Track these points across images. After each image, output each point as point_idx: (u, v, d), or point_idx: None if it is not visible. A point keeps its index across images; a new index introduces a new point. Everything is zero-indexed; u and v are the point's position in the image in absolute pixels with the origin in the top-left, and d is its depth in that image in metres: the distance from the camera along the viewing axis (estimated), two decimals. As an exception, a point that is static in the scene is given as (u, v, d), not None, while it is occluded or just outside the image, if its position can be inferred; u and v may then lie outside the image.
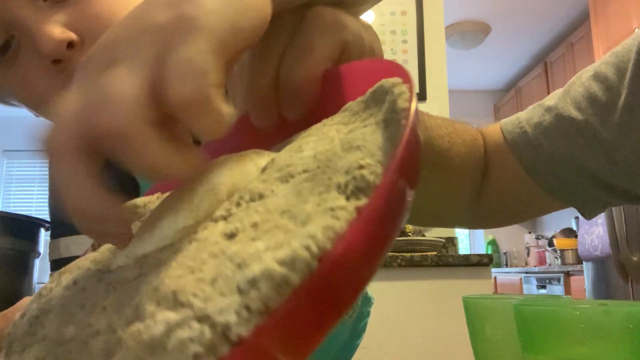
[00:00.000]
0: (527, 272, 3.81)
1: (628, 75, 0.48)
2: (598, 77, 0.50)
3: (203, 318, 0.15)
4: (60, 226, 0.62)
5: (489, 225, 0.61)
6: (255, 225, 0.18)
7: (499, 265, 4.40)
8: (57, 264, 0.60)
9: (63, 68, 0.48)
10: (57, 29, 0.46)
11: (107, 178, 0.20)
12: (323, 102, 0.27)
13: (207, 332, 0.15)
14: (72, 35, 0.46)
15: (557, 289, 3.30)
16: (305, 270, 0.15)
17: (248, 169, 0.22)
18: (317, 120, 0.26)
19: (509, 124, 0.55)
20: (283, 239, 0.16)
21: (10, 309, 0.32)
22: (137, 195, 0.57)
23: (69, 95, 0.20)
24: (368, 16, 2.25)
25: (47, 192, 0.65)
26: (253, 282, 0.15)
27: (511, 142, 0.53)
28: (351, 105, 0.24)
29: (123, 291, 0.18)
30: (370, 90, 0.23)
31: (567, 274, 3.24)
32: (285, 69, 0.26)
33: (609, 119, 0.49)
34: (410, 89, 0.20)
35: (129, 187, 0.58)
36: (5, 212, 0.79)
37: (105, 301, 0.19)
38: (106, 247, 0.26)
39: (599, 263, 2.51)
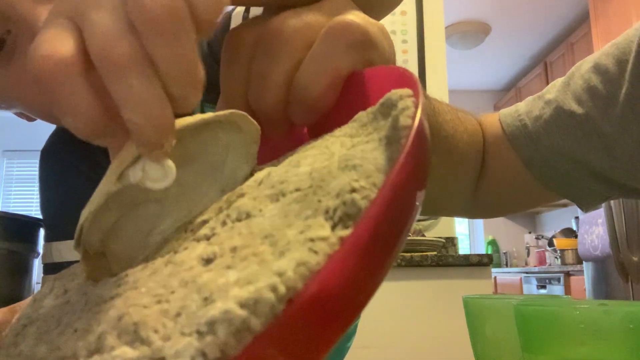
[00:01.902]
0: (527, 272, 3.81)
1: (629, 67, 0.48)
2: (598, 69, 0.50)
3: None
4: (54, 229, 0.62)
5: (486, 215, 0.61)
6: (234, 250, 0.16)
7: (499, 265, 4.40)
8: (50, 268, 0.60)
9: None
10: None
11: None
12: (335, 109, 0.26)
13: None
14: None
15: (557, 289, 3.30)
16: (268, 315, 0.14)
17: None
18: (326, 127, 0.25)
19: (508, 116, 0.54)
20: (255, 272, 0.15)
21: (19, 302, 0.31)
22: None
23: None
24: (368, 16, 2.24)
25: (40, 194, 0.65)
26: (211, 325, 0.14)
27: (510, 134, 0.53)
28: (361, 115, 0.23)
29: (95, 313, 0.17)
30: (380, 101, 0.22)
31: (567, 274, 3.24)
32: (305, 76, 0.25)
33: (609, 112, 0.48)
34: (417, 104, 0.19)
35: None
36: (4, 212, 0.79)
37: (77, 322, 0.18)
38: None
39: (599, 263, 2.51)
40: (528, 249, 4.31)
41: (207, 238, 0.19)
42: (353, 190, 0.16)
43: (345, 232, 0.15)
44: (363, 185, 0.17)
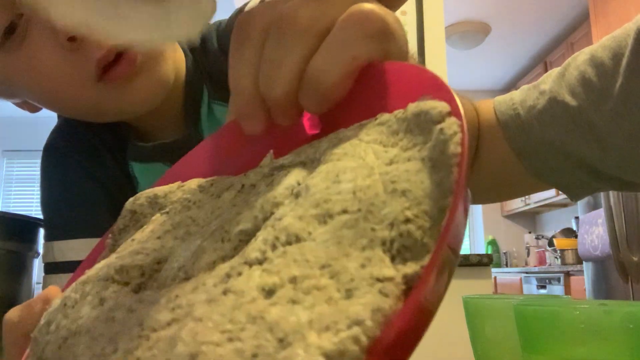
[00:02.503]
0: (527, 272, 3.81)
1: (624, 61, 0.47)
2: (594, 61, 0.50)
3: None
4: (55, 228, 0.61)
5: (475, 201, 0.61)
6: (293, 281, 0.17)
7: (499, 265, 4.40)
8: (51, 267, 0.60)
9: (77, 47, 0.47)
10: None
11: None
12: (349, 99, 0.25)
13: None
14: None
15: (557, 289, 3.30)
16: None
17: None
18: (338, 117, 0.25)
19: (502, 103, 0.54)
20: (328, 315, 0.15)
21: (35, 298, 0.31)
22: None
23: None
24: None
25: (41, 191, 0.64)
26: None
27: (503, 123, 0.53)
28: (389, 119, 0.22)
29: (160, 344, 0.17)
30: (412, 109, 0.21)
31: (567, 274, 3.24)
32: (320, 64, 0.24)
33: (602, 106, 0.48)
34: (462, 127, 0.18)
35: None
36: (4, 212, 0.79)
37: (139, 351, 0.17)
38: (127, 251, 0.25)
39: (599, 263, 2.51)
40: (528, 249, 4.31)
41: (260, 262, 0.18)
42: (407, 221, 0.17)
43: (408, 269, 0.16)
44: (416, 214, 0.17)
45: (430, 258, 0.16)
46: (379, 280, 0.15)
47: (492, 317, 0.39)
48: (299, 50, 0.25)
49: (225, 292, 0.17)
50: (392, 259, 0.16)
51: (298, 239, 0.18)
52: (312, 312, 0.15)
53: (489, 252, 4.33)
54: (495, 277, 4.13)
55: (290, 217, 0.19)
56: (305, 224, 0.19)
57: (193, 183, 0.29)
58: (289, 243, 0.18)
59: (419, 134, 0.20)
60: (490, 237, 4.54)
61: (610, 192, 2.29)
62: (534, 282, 3.62)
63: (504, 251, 4.57)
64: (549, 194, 3.87)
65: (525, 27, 3.75)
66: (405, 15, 2.33)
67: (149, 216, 0.29)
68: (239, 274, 0.18)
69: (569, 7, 3.51)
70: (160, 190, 0.29)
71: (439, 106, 0.20)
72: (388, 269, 0.16)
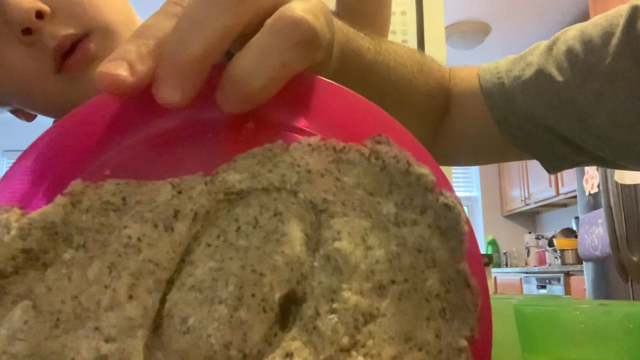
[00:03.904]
0: (527, 272, 3.81)
1: (614, 41, 0.47)
2: (583, 37, 0.49)
3: None
4: None
5: (445, 162, 0.60)
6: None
7: (499, 265, 4.40)
8: None
9: (34, 41, 0.48)
10: None
11: None
12: (272, 104, 0.24)
13: None
14: (42, 5, 0.47)
15: (557, 289, 3.30)
16: None
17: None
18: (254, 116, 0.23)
19: (486, 71, 0.54)
20: None
21: None
22: None
23: None
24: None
25: None
26: None
27: (486, 91, 0.53)
28: (360, 161, 0.22)
29: None
30: (391, 161, 0.22)
31: (567, 274, 3.24)
32: (248, 63, 0.22)
33: (587, 83, 0.48)
34: (459, 201, 0.22)
35: None
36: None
37: None
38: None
39: (599, 263, 2.51)
40: (528, 249, 4.30)
41: (353, 346, 0.19)
42: (447, 291, 0.20)
43: (465, 332, 0.20)
44: (448, 282, 0.20)
45: (477, 319, 0.21)
46: (460, 350, 0.18)
47: (492, 317, 0.39)
48: (228, 18, 0.22)
49: None
50: (448, 322, 0.19)
51: (372, 317, 0.20)
52: None
53: (489, 252, 4.34)
54: (495, 277, 4.13)
55: (352, 294, 0.20)
56: (370, 300, 0.20)
57: (90, 196, 0.23)
58: (366, 323, 0.20)
59: (412, 195, 0.22)
60: (490, 237, 4.53)
61: (610, 192, 2.29)
62: (534, 282, 3.62)
63: (504, 251, 4.57)
64: (549, 194, 3.87)
65: (525, 27, 3.74)
66: (405, 15, 2.34)
67: (52, 252, 0.22)
68: None
69: (568, 7, 3.51)
70: (53, 215, 0.22)
71: (428, 173, 0.22)
72: (461, 340, 0.19)
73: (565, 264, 3.34)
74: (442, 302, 0.19)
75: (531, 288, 3.67)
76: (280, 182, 0.23)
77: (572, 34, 0.50)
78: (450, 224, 0.21)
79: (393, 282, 0.20)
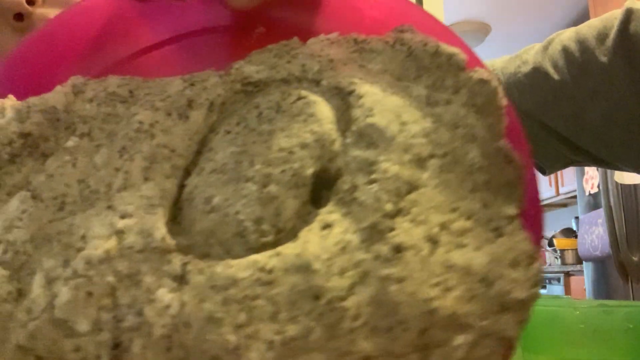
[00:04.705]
0: (527, 272, 3.81)
1: (608, 42, 0.47)
2: (578, 38, 0.50)
3: None
4: None
5: None
6: (444, 227, 0.17)
7: (499, 265, 4.39)
8: None
9: (25, 27, 0.48)
10: None
11: None
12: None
13: None
14: None
15: (557, 289, 3.30)
16: None
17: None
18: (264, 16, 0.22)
19: None
20: (502, 252, 0.17)
21: None
22: None
23: None
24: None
25: None
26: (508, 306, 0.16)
27: None
28: (384, 49, 0.22)
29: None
30: (418, 46, 0.21)
31: (567, 274, 3.24)
32: None
33: (583, 82, 0.48)
34: (499, 79, 0.21)
35: None
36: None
37: None
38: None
39: (599, 263, 2.51)
40: (528, 249, 4.30)
41: (398, 213, 0.18)
42: (491, 164, 0.19)
43: (517, 203, 0.19)
44: (489, 155, 0.19)
45: (523, 193, 0.19)
46: (510, 217, 0.17)
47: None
48: None
49: (398, 250, 0.17)
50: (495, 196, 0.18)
51: (414, 187, 0.18)
52: (484, 252, 0.17)
53: (489, 252, 4.33)
54: (495, 277, 4.13)
55: (391, 164, 0.18)
56: (411, 170, 0.18)
57: (93, 87, 0.22)
58: (409, 192, 0.18)
59: (443, 76, 0.21)
60: (490, 237, 4.53)
61: (610, 192, 2.29)
62: (534, 282, 3.62)
63: (504, 251, 4.56)
64: (549, 194, 3.87)
65: (525, 27, 3.74)
66: (405, 15, 2.33)
67: (53, 140, 0.21)
68: (391, 229, 0.17)
69: (568, 7, 3.51)
70: (54, 100, 0.21)
71: (459, 52, 0.21)
72: (509, 208, 0.18)
73: (565, 264, 3.34)
74: (485, 174, 0.18)
75: (531, 288, 3.67)
76: (301, 72, 0.21)
77: (567, 35, 0.51)
78: (486, 99, 0.20)
79: (432, 156, 0.19)
